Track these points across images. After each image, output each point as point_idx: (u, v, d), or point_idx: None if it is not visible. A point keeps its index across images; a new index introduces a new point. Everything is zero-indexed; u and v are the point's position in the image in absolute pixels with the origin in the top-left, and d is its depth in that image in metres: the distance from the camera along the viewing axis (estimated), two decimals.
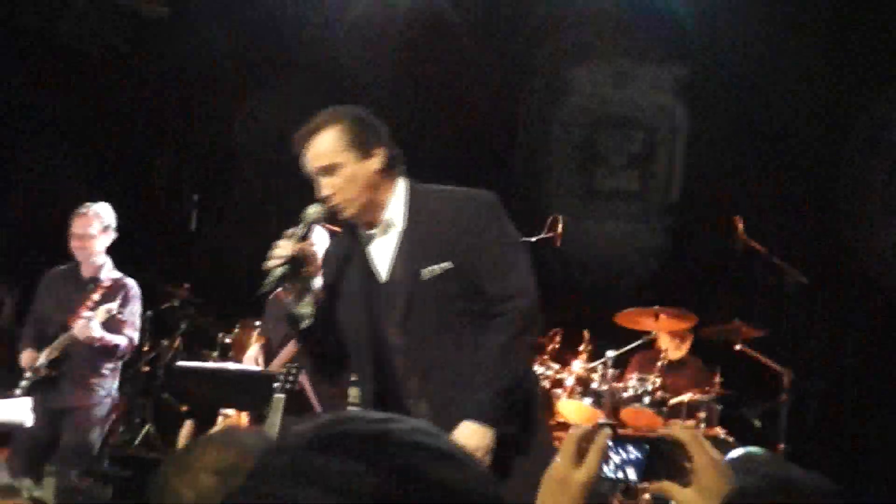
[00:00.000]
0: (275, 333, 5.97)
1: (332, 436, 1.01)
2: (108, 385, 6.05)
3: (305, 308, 3.46)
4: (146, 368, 7.67)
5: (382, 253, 3.47)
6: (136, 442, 7.42)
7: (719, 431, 6.36)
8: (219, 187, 8.76)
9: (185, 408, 7.10)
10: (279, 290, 5.86)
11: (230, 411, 5.66)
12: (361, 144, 3.37)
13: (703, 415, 6.51)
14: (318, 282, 3.50)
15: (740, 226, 6.71)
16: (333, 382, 4.85)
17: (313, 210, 3.41)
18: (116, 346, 5.92)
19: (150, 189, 8.57)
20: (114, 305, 5.84)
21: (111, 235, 6.09)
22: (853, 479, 6.54)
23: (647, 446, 1.66)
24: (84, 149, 8.54)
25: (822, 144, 7.68)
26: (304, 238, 3.43)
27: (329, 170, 3.36)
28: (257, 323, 6.43)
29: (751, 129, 7.88)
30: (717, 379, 6.73)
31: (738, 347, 6.77)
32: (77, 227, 6.04)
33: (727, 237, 6.77)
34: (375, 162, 3.38)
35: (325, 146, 3.36)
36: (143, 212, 6.79)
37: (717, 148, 8.02)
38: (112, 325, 5.90)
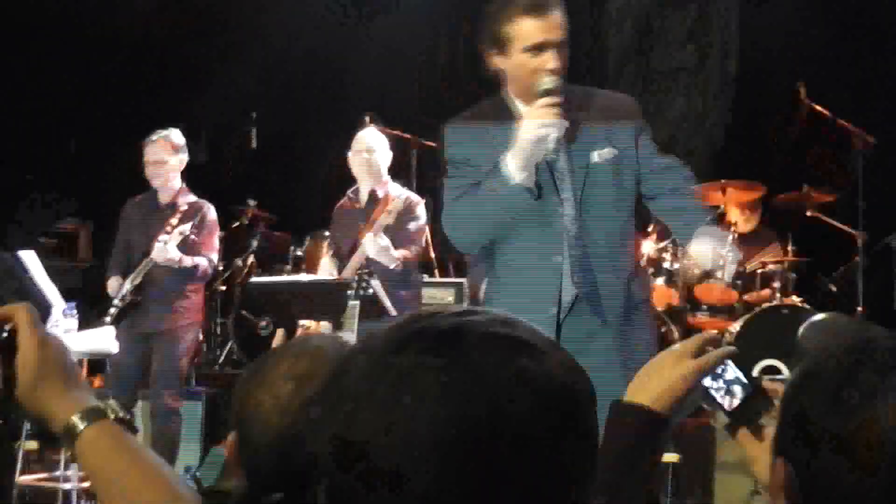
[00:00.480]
0: (343, 242, 6.03)
1: (408, 335, 1.01)
2: (194, 307, 6.18)
3: (526, 177, 3.41)
4: (223, 288, 7.80)
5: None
6: (220, 360, 7.59)
7: (795, 299, 6.34)
8: (277, 103, 8.78)
9: (263, 323, 7.22)
10: (349, 196, 5.98)
11: (309, 322, 5.75)
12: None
13: (777, 284, 6.48)
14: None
15: (803, 91, 6.60)
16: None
17: (549, 80, 3.37)
18: (196, 266, 6.03)
19: (208, 109, 8.61)
20: (187, 227, 5.94)
21: (184, 159, 6.19)
22: None
23: (753, 386, 1.67)
24: (143, 73, 8.61)
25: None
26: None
27: (562, 46, 3.38)
28: (326, 234, 6.49)
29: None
30: (790, 247, 6.69)
31: (809, 214, 6.72)
32: (150, 154, 6.14)
33: (791, 104, 6.67)
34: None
35: (563, 22, 3.40)
36: (204, 133, 6.84)
37: (773, 15, 7.85)
38: (190, 247, 6.01)
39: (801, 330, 5.36)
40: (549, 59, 3.36)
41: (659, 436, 1.68)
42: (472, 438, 0.94)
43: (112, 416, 1.28)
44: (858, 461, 1.26)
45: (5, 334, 1.32)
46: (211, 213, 6.21)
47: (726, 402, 1.67)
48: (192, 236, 5.99)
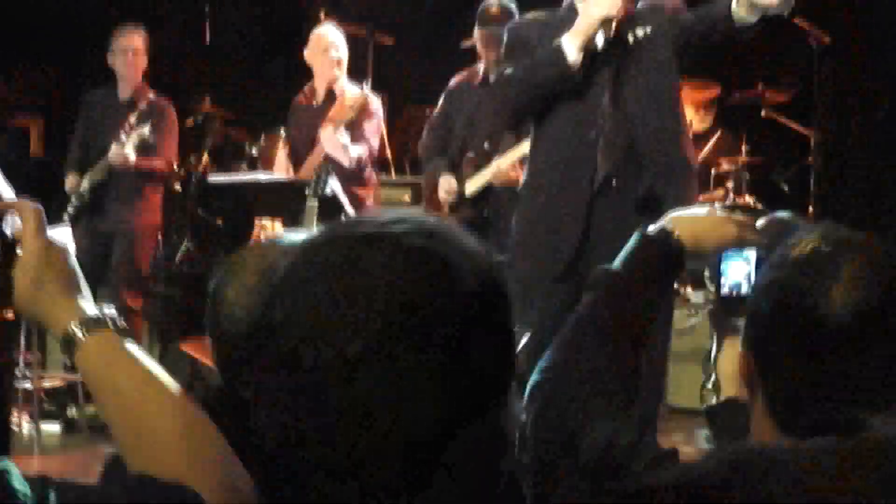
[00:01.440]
0: (300, 140, 6.00)
1: (339, 236, 1.06)
2: (152, 207, 6.15)
3: (579, 57, 3.61)
4: (178, 186, 7.73)
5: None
6: (177, 259, 7.56)
7: (748, 199, 6.40)
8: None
9: (220, 221, 7.19)
10: (305, 93, 5.93)
11: (266, 221, 5.74)
12: None
13: (731, 184, 6.55)
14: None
15: None
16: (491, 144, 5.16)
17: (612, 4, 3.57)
18: (153, 169, 5.99)
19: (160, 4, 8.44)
20: (146, 129, 5.87)
21: (145, 60, 6.12)
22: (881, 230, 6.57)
23: None
24: None
25: None
26: None
27: None
28: (282, 131, 6.45)
29: None
30: (744, 146, 6.73)
31: (763, 114, 6.75)
32: (123, 42, 6.05)
33: None
34: None
35: None
36: (155, 29, 6.70)
37: None
38: (149, 148, 5.96)
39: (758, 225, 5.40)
40: None
41: (676, 269, 1.74)
42: (400, 324, 0.99)
43: (112, 327, 1.26)
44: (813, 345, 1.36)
45: (10, 236, 1.28)
46: (171, 113, 6.16)
47: (725, 289, 1.71)
48: (151, 138, 5.93)
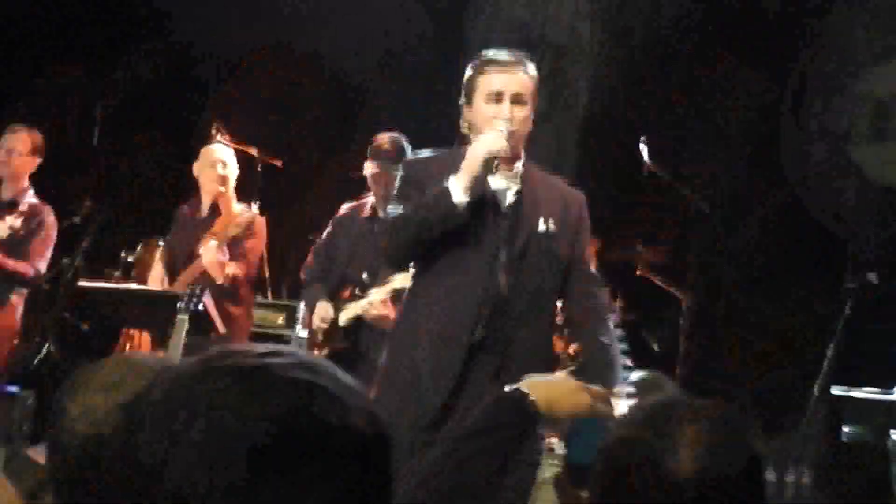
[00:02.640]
0: (179, 251, 5.93)
1: (212, 368, 1.03)
2: (11, 310, 5.97)
3: (464, 198, 3.60)
4: (47, 286, 7.55)
5: (505, 192, 3.75)
6: (37, 360, 7.33)
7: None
8: (122, 102, 8.58)
9: (86, 326, 7.02)
10: (190, 205, 5.88)
11: (134, 332, 5.62)
12: (536, 101, 3.75)
13: None
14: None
15: (644, 149, 6.78)
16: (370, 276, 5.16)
17: (501, 125, 3.63)
18: (15, 272, 5.83)
19: (51, 104, 8.35)
20: (17, 224, 5.74)
21: (37, 161, 6.02)
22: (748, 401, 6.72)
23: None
24: None
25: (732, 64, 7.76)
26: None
27: (522, 102, 3.67)
28: (160, 241, 6.37)
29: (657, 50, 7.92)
30: (618, 303, 6.85)
31: (638, 273, 6.89)
32: (5, 143, 5.94)
33: (632, 160, 6.84)
34: (530, 126, 3.75)
35: (529, 80, 3.72)
36: (46, 128, 6.62)
37: (623, 70, 8.05)
38: (20, 250, 5.81)
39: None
40: (507, 110, 3.65)
41: (528, 429, 1.74)
42: (251, 476, 0.96)
43: None
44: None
45: None
46: (50, 220, 6.04)
47: (574, 456, 1.72)
48: (21, 241, 5.78)
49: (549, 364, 3.83)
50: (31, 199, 6.00)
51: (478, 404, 1.74)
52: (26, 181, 6.02)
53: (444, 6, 8.31)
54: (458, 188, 3.59)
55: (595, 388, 1.82)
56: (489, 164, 3.58)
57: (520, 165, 3.78)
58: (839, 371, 5.78)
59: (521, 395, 1.74)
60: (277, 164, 7.28)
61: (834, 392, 5.37)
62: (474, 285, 3.66)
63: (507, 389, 1.77)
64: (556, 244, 3.73)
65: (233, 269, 5.66)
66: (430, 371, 3.67)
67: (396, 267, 4.48)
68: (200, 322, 5.15)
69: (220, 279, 5.60)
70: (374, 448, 1.03)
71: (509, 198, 3.75)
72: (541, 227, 3.70)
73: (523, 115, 3.68)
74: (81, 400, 1.66)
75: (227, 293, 5.67)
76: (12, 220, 5.78)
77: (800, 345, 6.79)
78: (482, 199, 3.67)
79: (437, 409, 3.63)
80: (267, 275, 6.98)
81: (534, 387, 1.77)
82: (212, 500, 0.95)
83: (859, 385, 5.40)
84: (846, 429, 5.00)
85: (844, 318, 5.58)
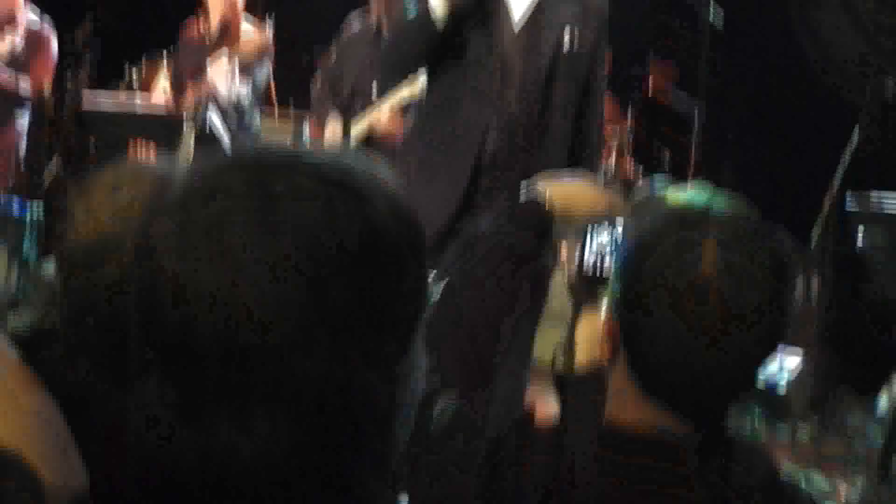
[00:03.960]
0: (187, 70, 5.83)
1: (234, 162, 0.96)
2: (16, 125, 5.90)
3: (446, 9, 3.36)
4: (52, 105, 7.47)
5: (520, 2, 3.46)
6: (45, 180, 7.31)
7: (630, 162, 6.45)
8: None
9: (93, 139, 6.97)
10: (197, 21, 5.75)
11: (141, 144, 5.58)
12: None
13: (614, 143, 6.57)
14: None
15: None
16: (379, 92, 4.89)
17: None
18: (18, 88, 5.73)
19: None
20: (17, 42, 5.62)
21: None
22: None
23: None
24: None
25: None
26: None
27: None
28: (165, 56, 6.25)
29: None
30: (630, 122, 6.78)
31: (652, 87, 6.80)
32: None
33: None
34: None
35: None
36: None
37: None
38: (22, 67, 5.71)
39: (635, 198, 5.45)
40: None
41: (545, 228, 1.72)
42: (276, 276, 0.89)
43: None
44: (680, 311, 1.38)
45: None
46: (51, 37, 5.90)
47: (589, 259, 1.69)
48: (23, 57, 5.67)
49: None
50: (28, 14, 5.86)
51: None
52: None
53: None
54: (440, 2, 3.35)
55: (612, 188, 1.79)
56: None
57: None
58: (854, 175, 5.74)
59: (537, 197, 1.71)
60: None
61: (848, 195, 5.34)
62: (484, 101, 3.45)
63: (522, 191, 1.73)
64: (577, 62, 3.48)
65: (244, 89, 5.58)
66: (437, 188, 3.51)
67: (398, 80, 4.35)
68: (208, 140, 5.10)
69: (230, 98, 5.53)
70: (399, 249, 0.97)
71: (522, 8, 3.47)
72: (565, 43, 3.45)
73: None
74: (86, 203, 1.62)
75: (235, 111, 5.60)
76: (11, 37, 5.67)
77: (821, 151, 6.72)
78: (487, 8, 3.43)
79: (445, 226, 3.48)
80: (273, 88, 6.89)
81: (549, 185, 1.74)
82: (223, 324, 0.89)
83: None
84: (861, 235, 4.98)
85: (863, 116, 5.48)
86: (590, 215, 1.73)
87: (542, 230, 1.71)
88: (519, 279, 1.68)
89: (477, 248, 1.69)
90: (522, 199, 1.72)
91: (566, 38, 3.45)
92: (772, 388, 4.59)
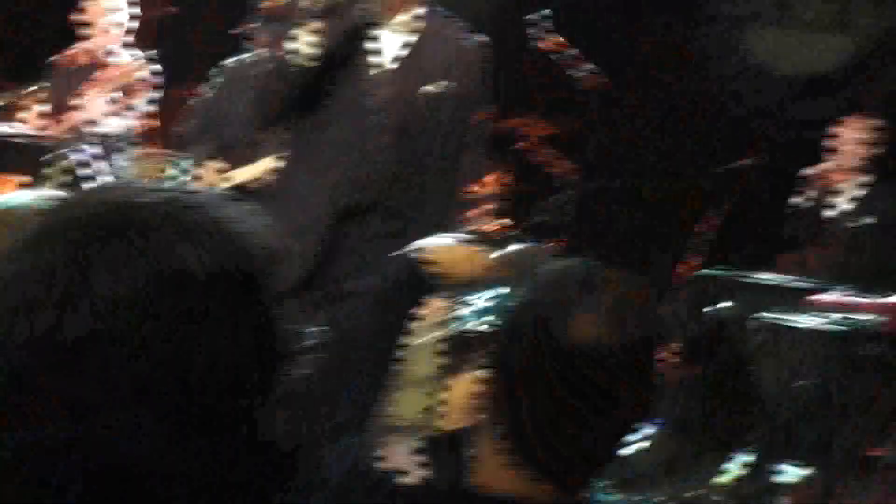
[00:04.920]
0: (61, 98, 5.70)
1: (81, 202, 0.93)
2: None
3: (312, 49, 3.31)
4: None
5: (391, 45, 3.41)
6: None
7: (505, 224, 6.49)
8: None
9: None
10: (72, 52, 5.63)
11: (6, 175, 5.43)
12: None
13: (492, 205, 6.62)
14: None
15: (548, 18, 6.68)
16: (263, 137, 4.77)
17: None
18: None
19: None
20: None
21: None
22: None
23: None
24: None
25: None
26: None
27: None
28: (40, 86, 6.10)
29: None
30: (511, 172, 6.83)
31: (531, 143, 6.87)
32: None
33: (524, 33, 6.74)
34: None
35: None
36: None
37: None
38: None
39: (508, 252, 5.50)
40: None
41: (424, 292, 1.71)
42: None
43: None
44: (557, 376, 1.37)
45: None
46: None
47: (466, 322, 1.67)
48: None
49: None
50: None
51: (358, 266, 1.67)
52: None
53: None
54: (304, 41, 3.31)
55: (492, 254, 1.78)
56: (332, 11, 3.30)
57: (415, 14, 3.43)
58: (718, 251, 5.89)
59: (417, 256, 1.70)
60: (174, 10, 7.03)
61: (707, 271, 5.50)
62: (347, 147, 3.39)
63: (402, 250, 1.72)
64: (444, 106, 3.41)
65: (118, 123, 5.47)
66: (300, 233, 3.41)
67: (266, 128, 4.30)
68: (79, 169, 4.98)
69: (104, 130, 5.42)
70: (236, 282, 0.93)
71: (391, 54, 3.41)
72: (431, 88, 3.39)
73: None
74: None
75: (111, 143, 5.49)
76: None
77: (688, 222, 6.87)
78: (352, 54, 3.38)
79: (308, 268, 3.41)
80: (158, 126, 6.77)
81: (432, 249, 1.73)
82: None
83: (734, 265, 5.51)
84: (717, 306, 5.12)
85: (728, 197, 5.64)
86: (467, 278, 1.73)
87: (422, 289, 1.71)
88: (390, 335, 1.67)
89: (359, 306, 1.69)
90: (401, 257, 1.71)
91: (434, 86, 3.40)
92: (627, 453, 4.66)
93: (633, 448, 4.66)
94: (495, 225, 6.44)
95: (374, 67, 3.41)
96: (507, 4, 7.61)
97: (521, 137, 6.90)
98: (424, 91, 3.40)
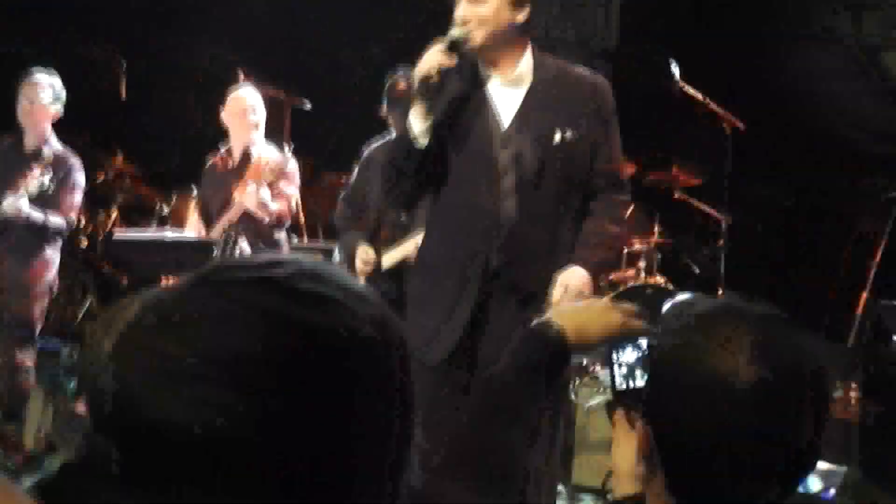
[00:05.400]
0: (213, 201, 5.90)
1: (212, 281, 0.96)
2: (49, 262, 5.94)
3: (423, 126, 3.43)
4: (85, 242, 7.58)
5: (507, 102, 3.48)
6: (80, 317, 7.38)
7: (659, 280, 6.43)
8: (148, 54, 8.55)
9: (125, 279, 7.05)
10: (221, 155, 5.85)
11: (172, 280, 5.62)
12: None
13: (642, 263, 6.58)
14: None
15: (676, 71, 6.67)
16: (408, 216, 4.87)
17: (458, 31, 3.40)
18: (47, 225, 5.78)
19: (78, 57, 8.33)
20: (46, 179, 5.70)
21: (59, 108, 5.95)
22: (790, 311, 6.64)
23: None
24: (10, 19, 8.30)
25: None
26: (450, 53, 3.40)
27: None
28: (195, 191, 6.35)
29: None
30: (657, 227, 6.78)
31: (676, 196, 6.81)
32: (24, 91, 5.89)
33: (664, 83, 6.73)
34: (521, 15, 3.43)
35: None
36: (73, 80, 6.59)
37: None
38: (49, 201, 5.78)
39: (664, 309, 5.44)
40: (459, 11, 3.39)
41: (561, 363, 1.71)
42: (252, 393, 0.89)
43: None
44: (715, 410, 1.34)
45: None
46: (77, 169, 5.95)
47: (618, 381, 1.67)
48: (51, 191, 5.74)
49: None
50: (55, 147, 5.95)
51: (500, 337, 1.69)
52: (49, 130, 5.96)
53: None
54: (415, 119, 3.42)
55: (624, 306, 1.77)
56: (426, 87, 3.38)
57: (523, 66, 3.48)
58: (885, 283, 5.70)
59: (548, 328, 1.70)
60: (306, 105, 7.23)
61: (881, 303, 5.28)
62: (483, 213, 3.42)
63: (532, 324, 1.72)
64: (576, 151, 3.43)
65: (276, 207, 5.63)
66: (446, 306, 3.48)
67: (403, 208, 4.39)
68: None
69: (266, 218, 5.57)
70: (390, 358, 0.96)
71: (513, 109, 3.47)
72: (556, 138, 3.42)
73: (482, 11, 3.36)
74: (112, 334, 1.62)
75: (263, 237, 5.64)
76: (39, 173, 5.73)
77: (842, 259, 6.72)
78: (476, 115, 3.45)
79: (454, 343, 3.45)
80: (302, 218, 6.96)
81: (559, 315, 1.72)
82: (217, 434, 0.89)
83: None
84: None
85: (888, 228, 5.48)
86: (605, 337, 1.72)
87: (557, 358, 1.71)
88: (535, 415, 1.68)
89: (492, 391, 1.69)
90: (534, 329, 1.71)
91: (557, 135, 3.42)
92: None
93: (828, 494, 4.48)
94: (650, 279, 6.39)
95: (495, 128, 3.46)
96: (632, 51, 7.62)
97: (667, 189, 6.85)
98: (545, 140, 3.42)
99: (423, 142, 3.42)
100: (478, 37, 3.38)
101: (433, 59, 3.34)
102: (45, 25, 8.36)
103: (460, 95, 3.49)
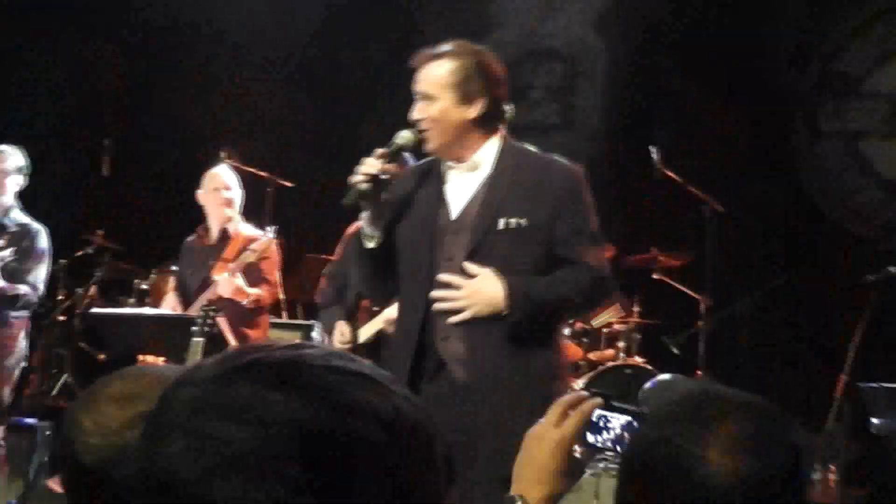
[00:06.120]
0: (191, 279, 5.89)
1: (240, 366, 0.95)
2: (16, 334, 5.89)
3: (374, 230, 3.48)
4: (62, 317, 7.53)
5: (460, 191, 3.49)
6: (54, 392, 7.31)
7: (638, 360, 6.43)
8: (131, 132, 8.58)
9: (102, 356, 6.99)
10: (198, 233, 5.85)
11: (149, 358, 5.59)
12: (466, 90, 3.40)
13: (622, 344, 6.58)
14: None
15: (656, 156, 6.73)
16: (380, 304, 4.85)
17: (405, 135, 3.44)
18: (15, 295, 5.74)
19: (61, 134, 8.36)
20: (8, 252, 5.66)
21: (22, 179, 5.92)
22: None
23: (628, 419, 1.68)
24: None
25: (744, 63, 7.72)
26: (392, 160, 3.44)
27: (427, 98, 3.41)
28: (173, 268, 6.33)
29: (669, 58, 7.89)
30: (636, 308, 6.79)
31: (655, 277, 6.84)
32: None
33: (644, 167, 6.80)
34: (472, 111, 3.42)
35: (432, 75, 3.42)
36: (55, 157, 6.61)
37: (635, 78, 8.02)
38: (13, 273, 5.73)
39: (642, 389, 5.44)
40: (414, 111, 3.45)
41: None
42: (318, 470, 0.89)
43: None
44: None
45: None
46: (41, 238, 5.91)
47: (608, 444, 1.65)
48: (14, 263, 5.69)
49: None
50: (18, 218, 5.91)
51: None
52: (11, 201, 5.92)
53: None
54: (364, 223, 3.48)
55: (552, 409, 1.71)
56: (366, 191, 3.39)
57: (481, 154, 3.47)
58: (863, 366, 5.71)
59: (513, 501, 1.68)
60: (289, 184, 7.26)
61: (861, 385, 5.27)
62: (426, 289, 3.43)
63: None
64: (524, 239, 3.38)
65: (255, 292, 5.62)
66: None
67: (375, 297, 4.45)
68: (216, 345, 5.10)
69: (245, 303, 5.58)
70: (423, 431, 0.96)
71: (465, 197, 3.47)
72: (500, 224, 3.38)
73: (432, 109, 3.39)
74: (94, 412, 1.62)
75: (243, 316, 5.63)
76: (2, 244, 5.67)
77: (822, 342, 6.72)
78: (428, 206, 3.48)
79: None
80: (282, 295, 6.94)
81: (515, 483, 1.69)
82: None
83: (884, 379, 5.31)
84: (875, 421, 4.89)
85: (867, 312, 5.50)
86: (565, 453, 1.68)
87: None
88: None
89: None
90: None
91: (500, 222, 3.38)
92: None
93: None
94: (630, 360, 6.39)
95: (443, 217, 3.48)
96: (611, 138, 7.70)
97: (648, 271, 6.87)
98: (500, 225, 3.39)
99: (370, 245, 3.48)
100: (433, 137, 3.42)
101: (371, 166, 3.38)
102: (46, 25, 8.39)
103: (416, 188, 3.54)
